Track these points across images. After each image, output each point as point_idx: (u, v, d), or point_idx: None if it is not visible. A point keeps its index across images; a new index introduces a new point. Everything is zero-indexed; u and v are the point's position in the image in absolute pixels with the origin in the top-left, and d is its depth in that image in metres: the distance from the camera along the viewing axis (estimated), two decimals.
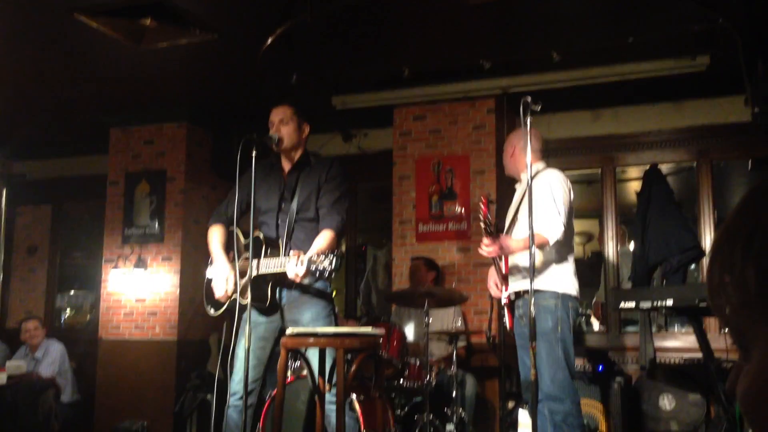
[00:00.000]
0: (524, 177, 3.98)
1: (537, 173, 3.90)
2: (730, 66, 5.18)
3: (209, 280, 3.95)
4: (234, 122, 7.00)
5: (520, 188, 4.15)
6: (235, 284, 3.74)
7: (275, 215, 3.83)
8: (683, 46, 5.33)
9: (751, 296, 0.71)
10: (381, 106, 6.39)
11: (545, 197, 3.79)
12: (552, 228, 3.71)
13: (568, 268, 3.92)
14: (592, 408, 5.02)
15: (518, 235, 3.88)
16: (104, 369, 7.01)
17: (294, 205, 3.80)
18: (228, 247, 3.92)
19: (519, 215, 3.99)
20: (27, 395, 5.62)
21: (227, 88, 6.46)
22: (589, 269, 7.06)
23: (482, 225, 3.69)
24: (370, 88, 6.29)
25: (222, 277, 3.77)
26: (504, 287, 4.05)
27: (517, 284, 3.94)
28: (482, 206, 3.67)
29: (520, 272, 3.92)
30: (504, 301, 4.06)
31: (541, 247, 3.71)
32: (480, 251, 3.83)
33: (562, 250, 3.90)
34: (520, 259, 3.88)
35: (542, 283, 3.75)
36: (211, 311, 3.92)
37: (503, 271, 4.06)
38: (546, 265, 3.83)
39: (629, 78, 5.65)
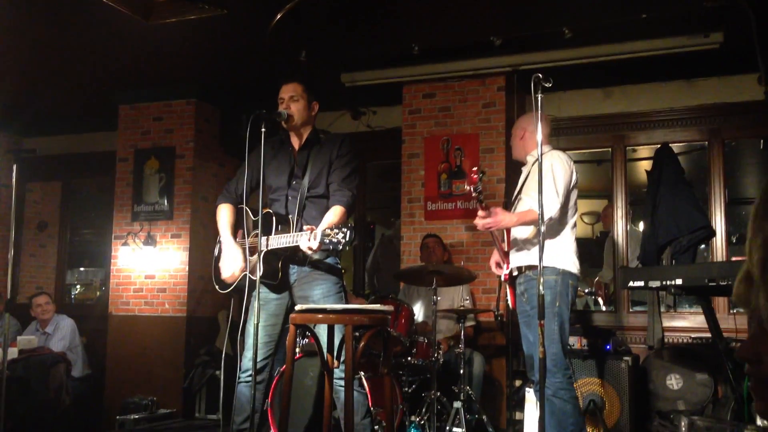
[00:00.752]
0: (530, 159, 4.05)
1: (542, 155, 3.90)
2: (744, 43, 5.12)
3: (217, 259, 3.95)
4: (243, 99, 6.98)
5: (525, 170, 4.17)
6: (245, 261, 3.75)
7: (285, 192, 3.83)
8: (696, 23, 5.27)
9: None
10: (390, 84, 6.35)
11: (546, 176, 3.80)
12: (546, 205, 3.70)
13: (568, 245, 3.96)
14: (598, 387, 5.04)
15: (518, 211, 3.95)
16: (114, 345, 7.07)
17: (305, 182, 3.79)
18: (237, 225, 3.92)
19: (522, 194, 4.04)
20: (38, 369, 5.67)
21: (236, 64, 6.43)
22: (598, 248, 7.04)
23: (474, 195, 3.72)
24: (379, 65, 6.25)
25: (229, 258, 3.77)
26: (505, 264, 4.09)
27: (517, 259, 4.01)
28: (473, 176, 3.72)
29: (519, 248, 4.00)
30: (503, 277, 4.13)
31: (533, 222, 3.74)
32: (475, 223, 3.86)
33: (561, 228, 3.94)
34: (520, 235, 3.97)
35: (543, 260, 3.77)
36: (220, 289, 3.93)
37: (504, 249, 4.10)
38: (546, 242, 3.83)
39: (641, 55, 5.59)
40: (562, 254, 3.89)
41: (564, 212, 3.89)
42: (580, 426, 3.85)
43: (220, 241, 3.99)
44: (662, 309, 5.86)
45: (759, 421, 3.78)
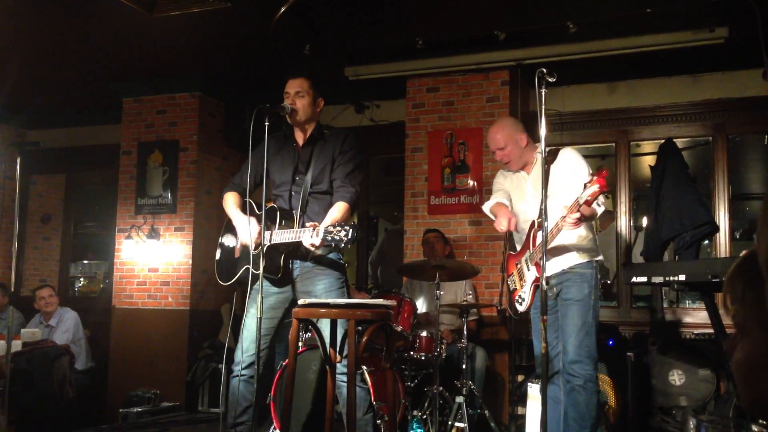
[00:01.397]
0: (537, 156, 3.86)
1: (551, 153, 3.84)
2: (749, 39, 5.11)
3: (222, 250, 3.96)
4: (247, 92, 6.98)
5: (534, 169, 3.95)
6: (246, 257, 3.74)
7: (289, 188, 3.82)
8: (701, 18, 5.25)
9: None
10: (394, 78, 6.34)
11: (581, 170, 3.71)
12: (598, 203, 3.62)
13: (594, 236, 3.95)
14: (601, 382, 5.03)
15: (556, 212, 3.64)
16: (117, 338, 7.08)
17: (308, 177, 3.78)
18: (243, 213, 3.91)
19: (550, 199, 3.71)
20: (42, 362, 5.69)
21: (240, 58, 6.43)
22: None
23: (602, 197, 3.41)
24: (383, 58, 6.25)
25: (243, 225, 3.71)
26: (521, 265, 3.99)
27: (551, 265, 3.74)
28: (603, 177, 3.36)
29: (561, 251, 3.78)
30: (532, 278, 3.85)
31: (593, 218, 3.69)
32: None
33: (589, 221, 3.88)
34: (562, 239, 3.73)
35: (583, 254, 3.79)
36: (223, 282, 3.94)
37: (518, 250, 4.02)
38: (583, 237, 3.82)
39: (646, 50, 5.58)
40: (593, 246, 3.86)
41: None
42: (599, 421, 3.82)
43: (222, 235, 3.99)
44: (665, 305, 5.85)
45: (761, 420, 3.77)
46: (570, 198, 3.50)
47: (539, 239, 3.65)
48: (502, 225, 3.86)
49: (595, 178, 3.28)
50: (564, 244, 3.76)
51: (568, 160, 3.83)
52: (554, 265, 3.78)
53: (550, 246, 3.60)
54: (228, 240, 3.99)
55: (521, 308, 3.98)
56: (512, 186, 4.09)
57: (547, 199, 3.70)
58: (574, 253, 3.78)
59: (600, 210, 3.58)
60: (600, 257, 3.88)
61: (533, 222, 3.84)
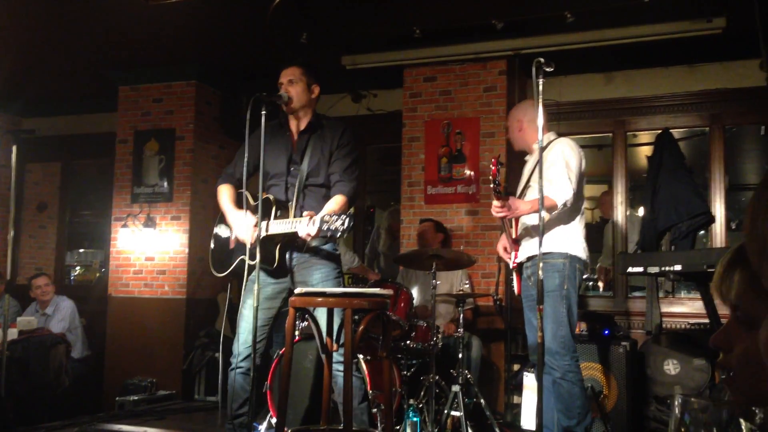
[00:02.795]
0: (537, 147, 3.92)
1: (550, 143, 3.95)
2: (746, 29, 5.10)
3: (216, 241, 3.95)
4: (243, 81, 6.96)
5: (532, 159, 4.14)
6: (241, 248, 3.74)
7: (284, 178, 3.82)
8: (699, 8, 5.24)
9: None
10: (391, 67, 6.33)
11: (558, 163, 3.85)
12: (562, 192, 3.76)
13: (577, 231, 3.97)
14: (596, 372, 5.05)
15: (529, 199, 3.92)
16: (114, 326, 7.08)
17: (303, 168, 3.78)
18: (238, 205, 3.91)
19: (531, 182, 4.02)
20: (38, 350, 5.69)
21: (237, 46, 6.40)
22: (597, 234, 7.04)
23: (492, 186, 3.69)
24: (380, 47, 6.23)
25: (239, 220, 3.73)
26: (514, 251, 4.08)
27: (528, 248, 3.99)
28: (492, 167, 3.66)
29: (530, 236, 3.97)
30: (512, 264, 4.11)
31: (550, 210, 3.73)
32: (492, 212, 3.84)
33: (572, 214, 3.95)
34: (531, 222, 3.94)
35: (552, 245, 3.82)
36: (217, 273, 3.94)
37: (513, 236, 4.09)
38: (556, 227, 3.89)
39: (643, 40, 5.57)
40: (571, 239, 3.91)
41: (576, 198, 3.88)
42: (587, 409, 3.87)
43: (216, 226, 3.99)
44: (661, 294, 5.86)
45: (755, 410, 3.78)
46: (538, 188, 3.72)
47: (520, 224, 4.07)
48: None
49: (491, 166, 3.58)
50: (532, 231, 3.94)
51: (553, 152, 3.90)
52: (524, 251, 4.01)
53: (520, 227, 4.04)
54: (222, 231, 3.99)
55: (516, 290, 4.18)
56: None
57: (528, 187, 4.02)
58: (544, 241, 3.76)
59: (558, 201, 3.74)
60: (578, 253, 3.90)
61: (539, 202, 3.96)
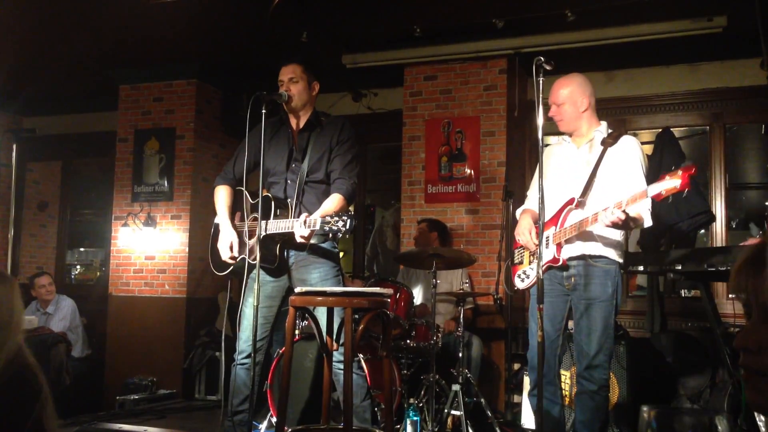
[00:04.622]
0: (597, 135, 3.60)
1: (618, 136, 3.57)
2: (747, 28, 5.10)
3: (214, 240, 3.95)
4: (244, 80, 6.95)
5: (583, 148, 3.63)
6: (241, 247, 3.75)
7: (284, 176, 3.81)
8: (700, 7, 5.24)
9: None
10: (391, 65, 6.33)
11: (639, 171, 3.45)
12: (650, 213, 3.38)
13: (624, 238, 3.75)
14: None
15: (600, 203, 3.39)
16: (114, 325, 7.09)
17: (304, 166, 3.77)
18: (235, 207, 3.91)
19: (598, 181, 3.51)
20: (39, 349, 5.68)
21: (237, 45, 6.40)
22: None
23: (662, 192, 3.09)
24: (380, 46, 6.22)
25: (227, 241, 3.78)
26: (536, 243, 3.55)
27: (578, 248, 3.52)
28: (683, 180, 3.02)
29: (585, 235, 3.48)
30: (549, 258, 3.54)
31: (637, 225, 3.40)
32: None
33: None
34: (597, 229, 3.45)
35: (607, 250, 3.50)
36: (217, 271, 3.94)
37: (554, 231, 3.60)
38: (613, 233, 3.51)
39: (644, 39, 5.56)
40: (620, 245, 3.57)
41: None
42: (608, 423, 3.68)
43: (216, 224, 3.98)
44: (661, 294, 5.85)
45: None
46: (621, 191, 3.26)
47: (570, 219, 3.47)
48: (520, 239, 3.66)
49: (680, 172, 2.97)
50: (592, 230, 3.46)
51: (633, 151, 3.50)
52: (576, 248, 3.51)
53: (575, 234, 3.43)
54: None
55: (522, 285, 3.73)
56: (560, 159, 3.70)
57: (594, 183, 3.48)
58: (600, 244, 3.50)
59: (646, 221, 3.34)
60: (622, 260, 3.58)
61: (573, 199, 3.51)
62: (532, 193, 3.80)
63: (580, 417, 3.54)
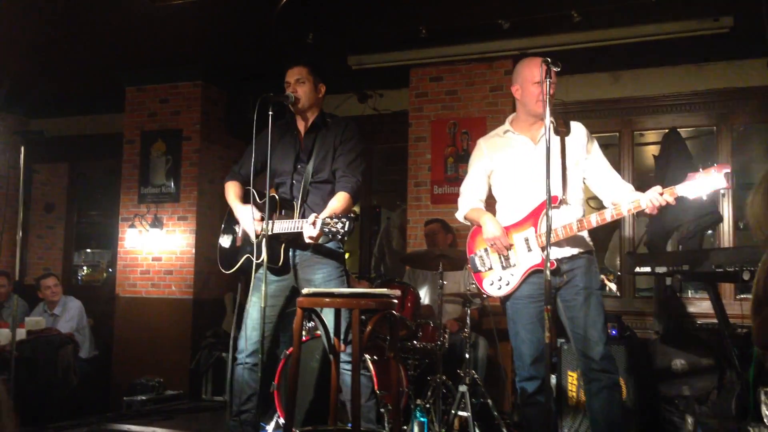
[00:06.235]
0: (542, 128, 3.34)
1: (566, 122, 3.54)
2: (754, 28, 5.07)
3: (225, 237, 3.96)
4: (249, 81, 6.96)
5: (542, 141, 3.31)
6: (247, 246, 3.76)
7: (290, 177, 3.83)
8: (706, 7, 5.23)
9: None
10: (397, 67, 6.33)
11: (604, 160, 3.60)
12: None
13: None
14: None
15: (573, 197, 3.42)
16: (121, 326, 7.11)
17: (310, 166, 3.78)
18: (244, 201, 3.91)
19: (604, 168, 3.62)
20: (46, 350, 5.70)
21: (243, 46, 6.41)
22: (606, 234, 7.03)
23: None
24: (386, 47, 6.23)
25: (247, 213, 3.72)
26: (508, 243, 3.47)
27: (566, 249, 3.39)
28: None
29: (567, 240, 3.36)
30: (534, 261, 3.39)
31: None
32: (657, 204, 3.32)
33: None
34: (571, 219, 3.34)
35: (589, 241, 3.48)
36: (225, 270, 3.95)
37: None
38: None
39: (650, 39, 5.56)
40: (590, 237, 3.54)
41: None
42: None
43: (224, 223, 4.00)
44: (668, 294, 5.84)
45: (764, 411, 3.77)
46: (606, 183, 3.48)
47: (560, 219, 3.30)
48: (496, 243, 3.44)
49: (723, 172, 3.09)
50: (578, 234, 3.37)
51: (594, 142, 3.60)
52: (565, 250, 3.38)
53: (568, 237, 3.31)
54: (230, 229, 4.00)
55: (499, 292, 3.49)
56: (504, 156, 3.56)
57: (566, 175, 3.41)
58: (584, 239, 3.45)
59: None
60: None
61: (556, 198, 3.30)
62: (475, 189, 3.68)
63: (602, 418, 3.33)
